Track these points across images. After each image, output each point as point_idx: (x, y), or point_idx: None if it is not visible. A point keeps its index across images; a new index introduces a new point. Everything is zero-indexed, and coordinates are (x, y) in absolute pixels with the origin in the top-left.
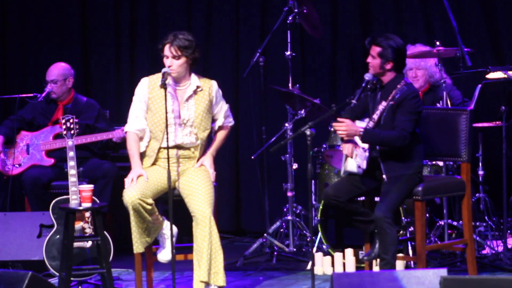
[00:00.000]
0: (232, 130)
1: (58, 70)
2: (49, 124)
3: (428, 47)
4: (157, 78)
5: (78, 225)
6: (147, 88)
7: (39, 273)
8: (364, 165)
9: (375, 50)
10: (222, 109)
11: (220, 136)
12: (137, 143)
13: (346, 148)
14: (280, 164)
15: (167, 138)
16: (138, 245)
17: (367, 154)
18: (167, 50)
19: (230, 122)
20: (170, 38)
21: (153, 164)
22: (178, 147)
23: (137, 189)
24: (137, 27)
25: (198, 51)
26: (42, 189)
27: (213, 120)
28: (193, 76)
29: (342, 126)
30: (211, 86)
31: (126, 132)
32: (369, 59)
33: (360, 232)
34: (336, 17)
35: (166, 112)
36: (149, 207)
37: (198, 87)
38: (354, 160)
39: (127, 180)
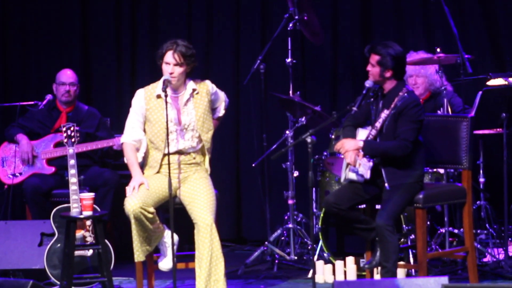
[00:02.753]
0: (232, 138)
1: (74, 74)
2: (51, 131)
3: (430, 54)
4: (152, 88)
5: (79, 233)
6: (143, 100)
7: (40, 282)
8: (367, 175)
9: (374, 58)
10: (222, 99)
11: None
12: (135, 152)
13: (349, 156)
14: (281, 172)
15: (168, 144)
16: (139, 254)
17: (371, 164)
18: (170, 57)
19: (227, 104)
20: (172, 45)
21: (158, 172)
22: (179, 152)
23: (139, 198)
24: (138, 34)
25: (196, 60)
26: (43, 197)
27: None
28: (189, 81)
29: (338, 145)
30: (207, 87)
31: (122, 143)
32: (369, 68)
33: (361, 240)
34: (336, 23)
35: (167, 121)
36: (150, 215)
37: (194, 90)
38: (358, 169)
39: (128, 189)
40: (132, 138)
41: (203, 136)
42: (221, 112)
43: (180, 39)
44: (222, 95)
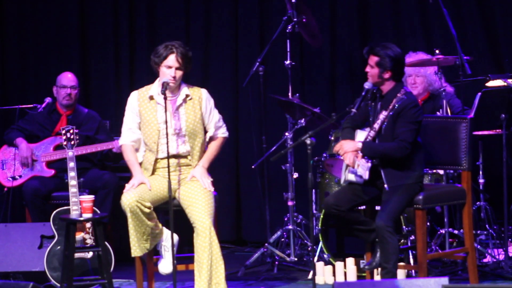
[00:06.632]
0: (232, 140)
1: (75, 77)
2: (52, 134)
3: (429, 55)
4: (146, 90)
5: (79, 235)
6: (137, 101)
7: (40, 284)
8: (366, 175)
9: (373, 59)
10: (213, 118)
11: (212, 147)
12: (134, 153)
13: (348, 158)
14: (280, 174)
15: (167, 147)
16: (136, 249)
17: (369, 164)
18: (173, 60)
19: (224, 133)
20: (172, 48)
21: (152, 174)
22: (176, 156)
23: (135, 193)
24: (136, 37)
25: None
26: (43, 200)
27: (205, 131)
28: (183, 85)
29: (337, 147)
30: (200, 95)
31: (121, 146)
32: (368, 69)
33: (361, 241)
34: (335, 25)
35: (167, 123)
36: (147, 210)
37: (187, 95)
38: (356, 170)
39: (127, 185)
40: (130, 139)
41: (191, 142)
42: (211, 131)
43: (174, 41)
44: (216, 116)
